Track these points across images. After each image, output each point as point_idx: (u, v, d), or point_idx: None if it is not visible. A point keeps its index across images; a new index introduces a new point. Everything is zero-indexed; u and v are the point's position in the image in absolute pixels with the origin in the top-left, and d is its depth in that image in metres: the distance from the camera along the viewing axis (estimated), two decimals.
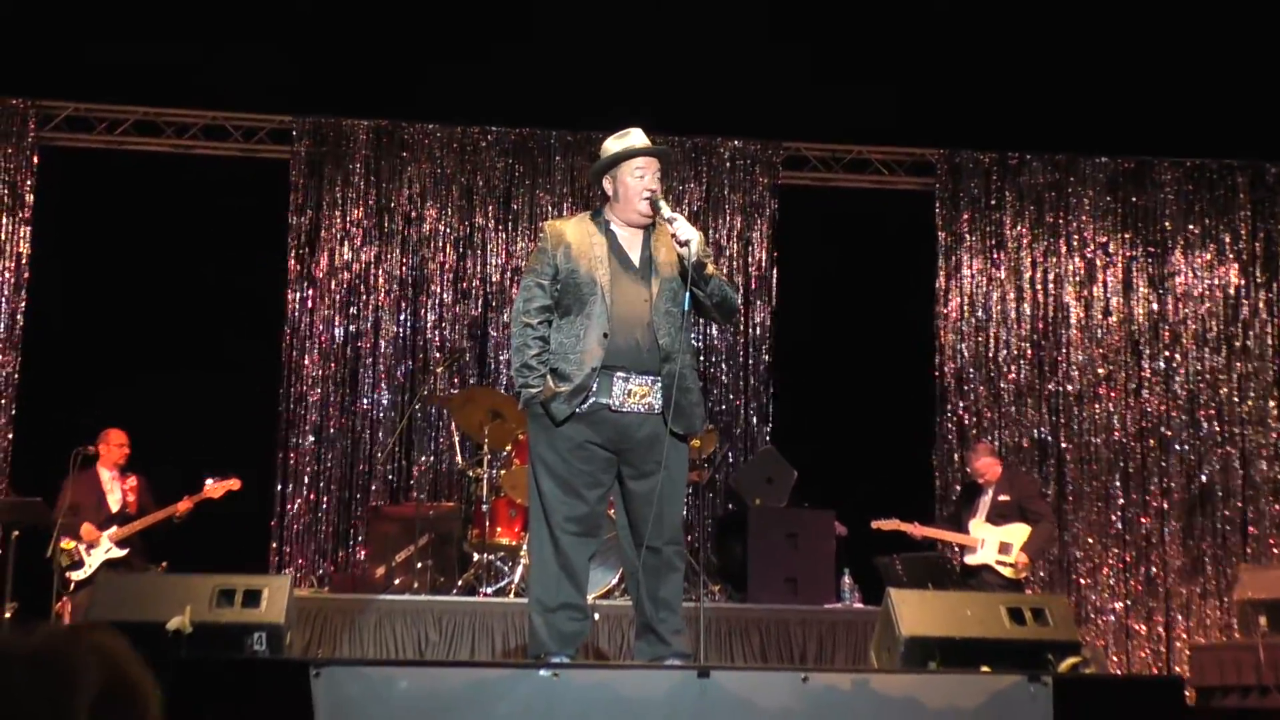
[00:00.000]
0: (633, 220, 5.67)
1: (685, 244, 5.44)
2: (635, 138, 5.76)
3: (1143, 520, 11.93)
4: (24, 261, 11.51)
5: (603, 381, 5.46)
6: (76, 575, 9.48)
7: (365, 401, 11.74)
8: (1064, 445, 12.06)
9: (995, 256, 12.33)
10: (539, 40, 11.05)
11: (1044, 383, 12.15)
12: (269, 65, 11.22)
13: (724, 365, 12.06)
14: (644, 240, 5.68)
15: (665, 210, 5.55)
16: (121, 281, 11.41)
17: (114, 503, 9.78)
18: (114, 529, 9.63)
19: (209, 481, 9.76)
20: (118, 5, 10.74)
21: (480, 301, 11.96)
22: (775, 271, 12.20)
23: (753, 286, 12.12)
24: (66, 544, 9.46)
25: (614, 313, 5.49)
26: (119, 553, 9.59)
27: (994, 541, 9.71)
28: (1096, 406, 12.12)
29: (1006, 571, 9.63)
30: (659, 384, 5.49)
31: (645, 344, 5.49)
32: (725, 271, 5.41)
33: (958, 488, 11.63)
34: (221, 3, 10.83)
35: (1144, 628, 11.75)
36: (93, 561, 9.52)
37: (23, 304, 11.46)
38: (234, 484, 9.85)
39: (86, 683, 2.23)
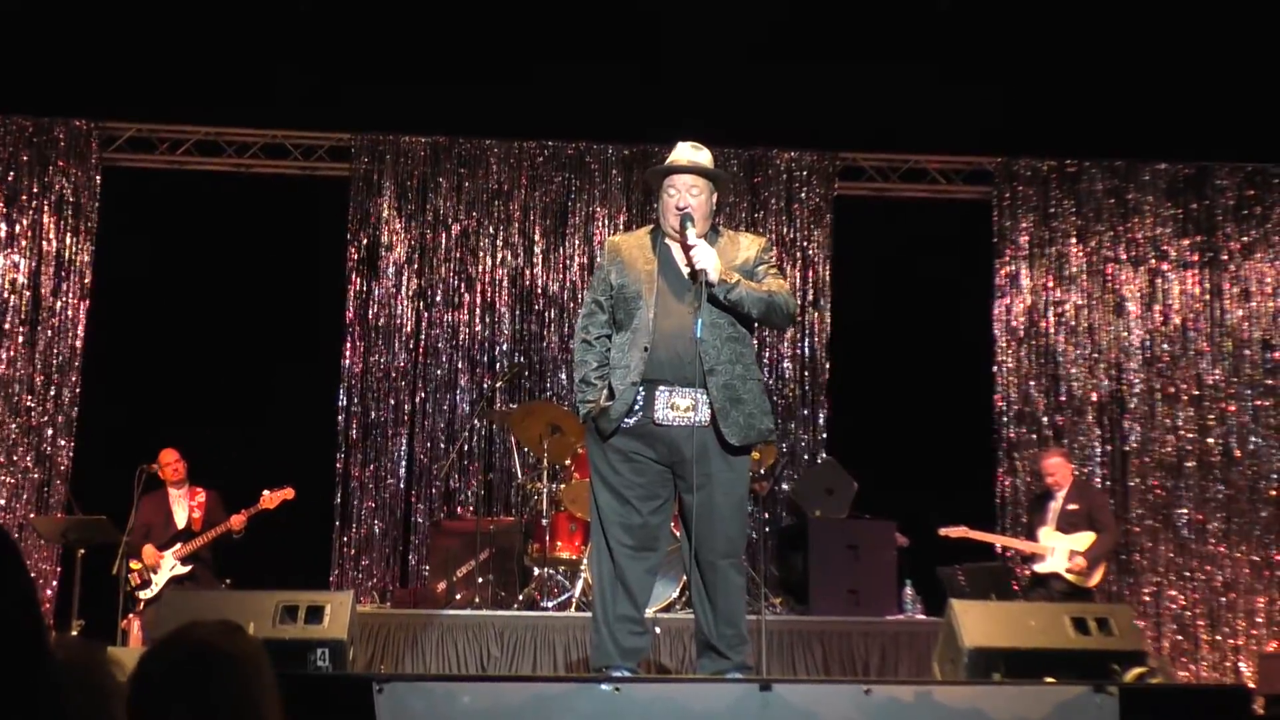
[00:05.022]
0: (672, 235, 5.67)
1: (701, 273, 5.42)
2: (675, 153, 5.76)
3: (1207, 527, 11.80)
4: (87, 280, 11.63)
5: (647, 395, 5.47)
6: (144, 595, 9.60)
7: (425, 416, 11.78)
8: (1126, 452, 11.95)
9: (1054, 264, 12.24)
10: (594, 55, 11.07)
11: (1105, 390, 12.04)
12: (328, 83, 11.31)
13: (782, 377, 12.02)
14: None
15: (691, 235, 5.50)
16: (183, 299, 11.51)
17: (180, 520, 9.88)
18: (177, 547, 9.71)
19: (265, 493, 9.82)
20: (178, 27, 10.85)
21: (538, 315, 11.98)
22: (832, 282, 12.16)
23: (810, 297, 12.08)
24: (135, 564, 9.59)
25: (657, 326, 5.49)
26: (184, 569, 9.68)
27: (1063, 550, 9.66)
28: (1158, 413, 12.00)
29: (1075, 580, 9.58)
30: (704, 396, 5.45)
31: (687, 356, 5.44)
32: (785, 279, 5.37)
33: (1015, 494, 11.59)
34: (279, 22, 10.90)
35: (1210, 635, 11.61)
36: (159, 580, 9.62)
37: (85, 322, 11.58)
38: (288, 493, 9.87)
39: (117, 692, 2.27)
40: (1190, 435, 11.96)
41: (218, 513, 9.92)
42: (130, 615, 9.52)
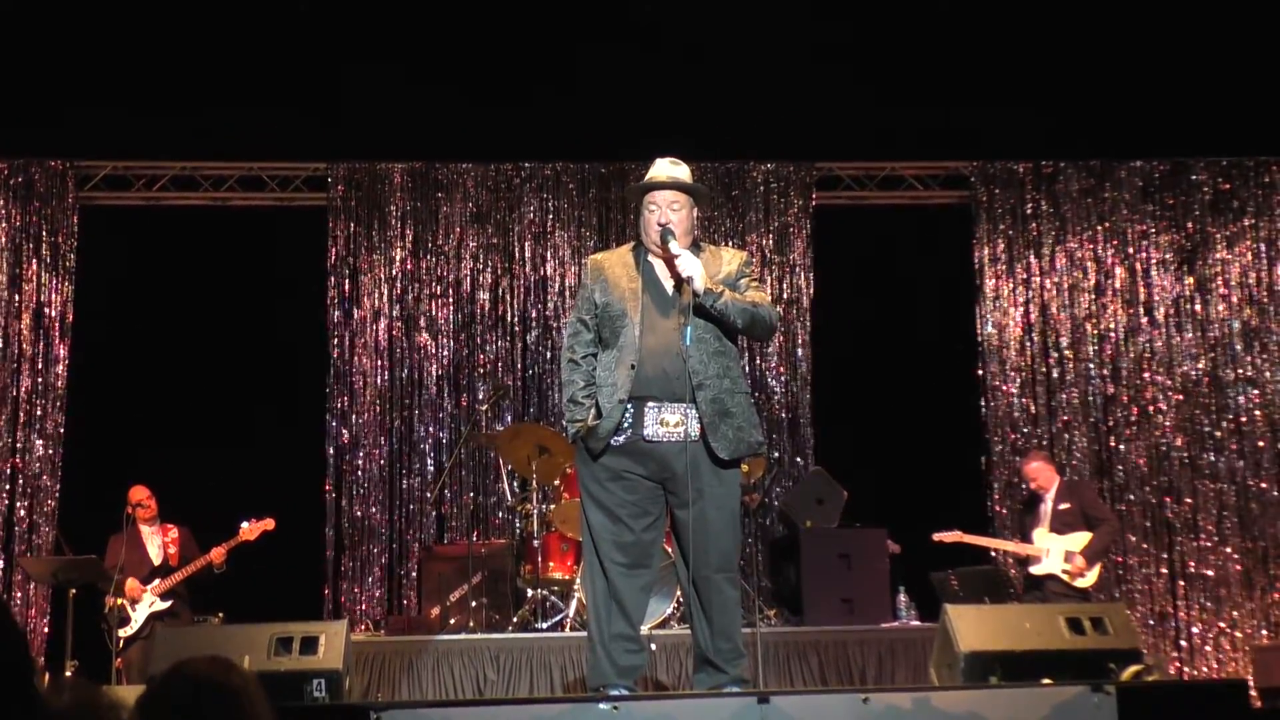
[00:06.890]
0: (655, 251, 5.67)
1: (688, 280, 5.45)
2: (654, 169, 5.77)
3: (1198, 522, 11.81)
4: (67, 320, 11.59)
5: (636, 412, 5.48)
6: (124, 632, 9.54)
7: (410, 442, 11.75)
8: (1113, 449, 11.95)
9: (1034, 266, 12.25)
10: (569, 74, 11.07)
11: (1091, 388, 12.05)
12: (301, 114, 11.29)
13: (768, 388, 12.01)
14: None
15: (673, 246, 5.54)
16: (164, 335, 11.47)
17: (155, 556, 9.85)
18: (156, 582, 9.67)
19: (244, 525, 9.77)
20: (150, 63, 10.82)
21: (522, 336, 11.96)
22: (813, 292, 12.16)
23: (792, 311, 12.08)
24: (111, 602, 9.53)
25: (643, 343, 5.50)
26: (163, 605, 9.64)
27: (1059, 551, 9.67)
28: (1144, 411, 12.02)
29: (1073, 581, 9.58)
30: (693, 411, 5.47)
31: (674, 372, 5.46)
32: (766, 291, 5.39)
33: (1006, 496, 11.60)
34: (251, 54, 10.88)
35: (1204, 631, 11.61)
36: (138, 617, 9.58)
37: (65, 362, 11.53)
38: (268, 524, 9.81)
39: None
40: (1177, 431, 11.97)
41: (191, 548, 9.88)
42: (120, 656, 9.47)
